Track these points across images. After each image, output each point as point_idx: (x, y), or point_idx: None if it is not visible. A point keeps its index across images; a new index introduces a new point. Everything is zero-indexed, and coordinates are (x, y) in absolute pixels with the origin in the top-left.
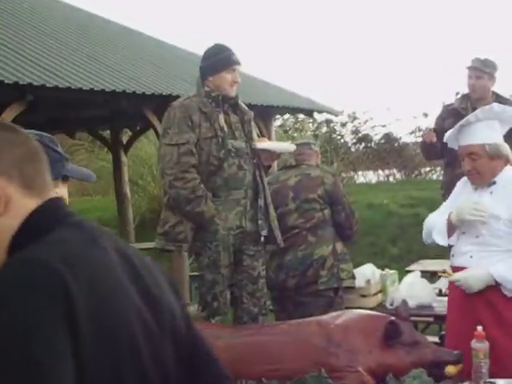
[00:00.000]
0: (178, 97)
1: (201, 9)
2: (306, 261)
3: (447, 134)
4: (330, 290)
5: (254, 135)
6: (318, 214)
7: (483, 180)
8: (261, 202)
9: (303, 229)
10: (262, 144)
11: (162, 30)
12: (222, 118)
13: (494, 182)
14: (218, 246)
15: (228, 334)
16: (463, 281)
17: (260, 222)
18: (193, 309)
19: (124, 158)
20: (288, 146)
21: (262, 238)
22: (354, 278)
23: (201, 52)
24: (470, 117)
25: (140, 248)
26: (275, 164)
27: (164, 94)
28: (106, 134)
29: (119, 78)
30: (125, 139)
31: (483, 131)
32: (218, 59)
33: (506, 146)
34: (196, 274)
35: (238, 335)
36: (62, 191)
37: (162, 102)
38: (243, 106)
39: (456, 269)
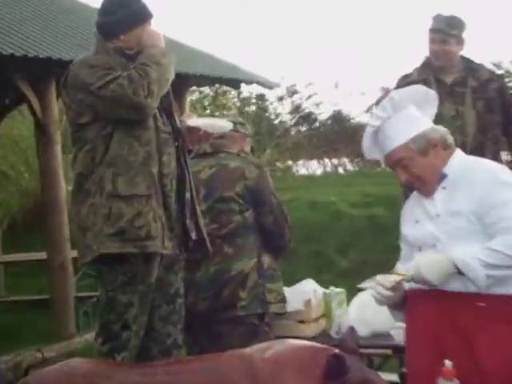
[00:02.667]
0: (61, 62)
1: None
2: (221, 278)
3: (364, 146)
4: (254, 316)
5: (176, 111)
6: (236, 217)
7: (430, 183)
8: (188, 196)
9: (217, 237)
10: (192, 120)
11: None
12: None
13: (445, 175)
14: (137, 256)
15: (123, 372)
16: (415, 272)
17: (188, 221)
18: (80, 340)
19: None
20: (224, 124)
21: (191, 243)
22: (284, 301)
23: (95, 4)
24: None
25: (8, 261)
26: None
27: (41, 56)
28: None
29: None
30: None
31: (398, 127)
32: (131, 13)
33: (436, 129)
34: (88, 294)
35: (135, 375)
36: None
37: (39, 68)
38: None
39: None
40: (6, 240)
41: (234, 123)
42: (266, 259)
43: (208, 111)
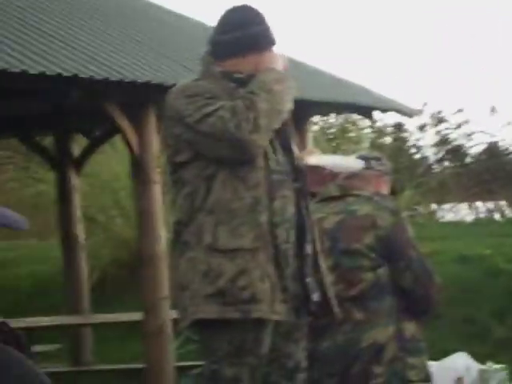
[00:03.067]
0: (162, 86)
1: None
2: (351, 350)
3: None
4: None
5: (295, 146)
6: (367, 275)
7: None
8: (308, 249)
9: (345, 299)
10: (315, 159)
11: None
12: None
13: None
14: (243, 321)
15: None
16: None
17: (308, 279)
18: None
19: (75, 180)
20: (353, 162)
21: (313, 306)
22: (428, 380)
23: (211, 21)
24: None
25: (97, 323)
26: None
27: (140, 81)
28: (48, 142)
29: (69, 54)
30: (76, 150)
31: None
32: (248, 35)
33: None
34: (191, 364)
35: None
36: None
37: (136, 95)
38: None
39: None
40: (94, 297)
41: (368, 159)
42: (409, 327)
43: (334, 145)
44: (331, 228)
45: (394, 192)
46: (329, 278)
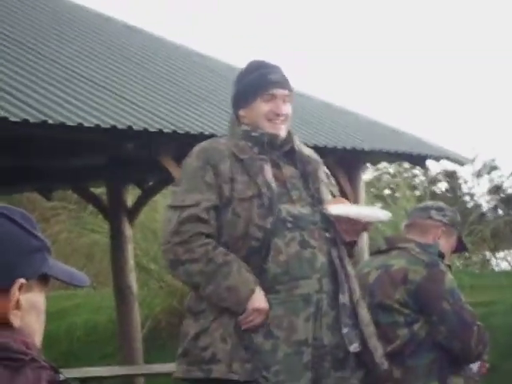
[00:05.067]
0: (215, 136)
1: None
2: None
3: None
4: None
5: (326, 195)
6: (401, 331)
7: None
8: (343, 299)
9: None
10: (338, 208)
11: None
12: (268, 169)
13: None
14: (278, 375)
15: None
16: None
17: (346, 330)
18: None
19: (128, 230)
20: (378, 213)
21: (351, 358)
22: None
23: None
24: None
25: (151, 373)
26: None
27: (193, 132)
28: (101, 192)
29: (122, 106)
30: (130, 201)
31: None
32: (248, 82)
33: None
34: None
35: None
36: (35, 298)
37: (188, 145)
38: (305, 150)
39: None
40: (147, 346)
41: (428, 208)
42: (457, 382)
43: (387, 192)
44: (371, 283)
45: (461, 244)
46: (370, 329)
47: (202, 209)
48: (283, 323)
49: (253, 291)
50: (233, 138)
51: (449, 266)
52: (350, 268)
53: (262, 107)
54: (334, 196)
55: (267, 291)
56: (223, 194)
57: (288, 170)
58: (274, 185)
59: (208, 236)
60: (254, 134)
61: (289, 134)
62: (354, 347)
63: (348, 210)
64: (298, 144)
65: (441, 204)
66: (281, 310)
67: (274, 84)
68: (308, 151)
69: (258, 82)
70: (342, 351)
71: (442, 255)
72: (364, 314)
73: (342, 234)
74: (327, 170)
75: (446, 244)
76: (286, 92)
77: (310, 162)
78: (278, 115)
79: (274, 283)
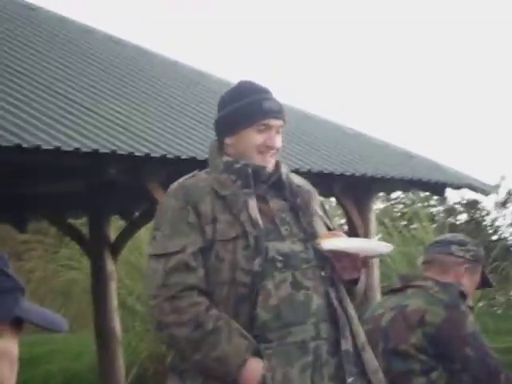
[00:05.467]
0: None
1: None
2: None
3: None
4: None
5: (320, 228)
6: (418, 380)
7: None
8: (346, 345)
9: None
10: (332, 243)
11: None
12: (254, 205)
13: None
14: None
15: None
16: None
17: (350, 380)
18: None
19: (111, 267)
20: (378, 245)
21: None
22: None
23: None
24: None
25: None
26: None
27: (185, 156)
28: (81, 224)
29: (105, 128)
30: (113, 234)
31: None
32: (240, 108)
33: None
34: None
35: None
36: (7, 345)
37: (179, 171)
38: (295, 180)
39: None
40: None
41: (449, 243)
42: None
43: (402, 223)
44: (385, 326)
45: (486, 283)
46: (378, 376)
47: (189, 254)
48: (277, 375)
49: (244, 361)
50: (213, 171)
51: (471, 308)
52: (351, 310)
53: (255, 138)
54: (329, 229)
55: (258, 340)
56: (206, 236)
57: (276, 204)
58: (260, 221)
59: (199, 291)
60: (236, 165)
61: (276, 163)
62: None
63: (343, 243)
64: (287, 173)
65: (462, 237)
66: (273, 360)
67: (270, 114)
68: (298, 180)
69: (251, 109)
70: None
71: (463, 295)
72: (370, 360)
73: (340, 271)
74: (323, 200)
75: (469, 282)
76: (281, 122)
77: (301, 193)
78: (270, 148)
79: (264, 331)
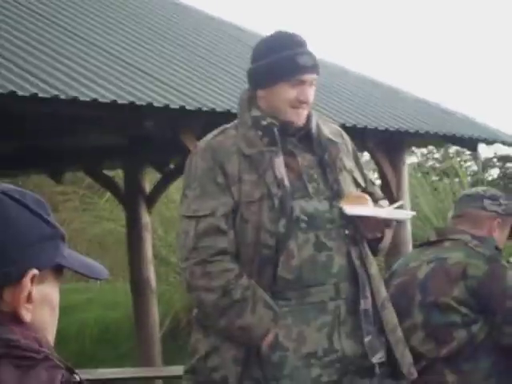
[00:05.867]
0: (229, 114)
1: None
2: None
3: None
4: None
5: (348, 186)
6: (459, 332)
7: None
8: (365, 304)
9: (437, 359)
10: (354, 209)
11: None
12: (280, 163)
13: None
14: None
15: None
16: None
17: (368, 338)
18: None
19: (146, 218)
20: (400, 212)
21: (377, 368)
22: None
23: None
24: None
25: (170, 376)
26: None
27: (219, 109)
28: (117, 175)
29: (141, 80)
30: (149, 186)
31: None
32: (275, 62)
33: None
34: None
35: None
36: (48, 291)
37: (214, 124)
38: (326, 131)
39: None
40: (167, 346)
41: (481, 197)
42: None
43: (433, 178)
44: (422, 279)
45: None
46: (397, 335)
47: (219, 217)
48: (292, 334)
49: (268, 331)
50: (242, 126)
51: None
52: (373, 269)
53: (288, 92)
54: (358, 186)
55: (277, 297)
56: (233, 198)
57: (304, 159)
58: (286, 181)
59: (231, 256)
60: (263, 122)
61: (307, 116)
62: (378, 358)
63: (365, 212)
64: (317, 126)
65: (494, 191)
66: (290, 319)
67: (305, 69)
68: (330, 130)
69: (286, 64)
70: (367, 361)
71: (498, 249)
72: (390, 318)
73: (363, 230)
74: (355, 150)
75: (500, 236)
76: (315, 76)
77: (331, 147)
78: (303, 102)
79: (285, 289)
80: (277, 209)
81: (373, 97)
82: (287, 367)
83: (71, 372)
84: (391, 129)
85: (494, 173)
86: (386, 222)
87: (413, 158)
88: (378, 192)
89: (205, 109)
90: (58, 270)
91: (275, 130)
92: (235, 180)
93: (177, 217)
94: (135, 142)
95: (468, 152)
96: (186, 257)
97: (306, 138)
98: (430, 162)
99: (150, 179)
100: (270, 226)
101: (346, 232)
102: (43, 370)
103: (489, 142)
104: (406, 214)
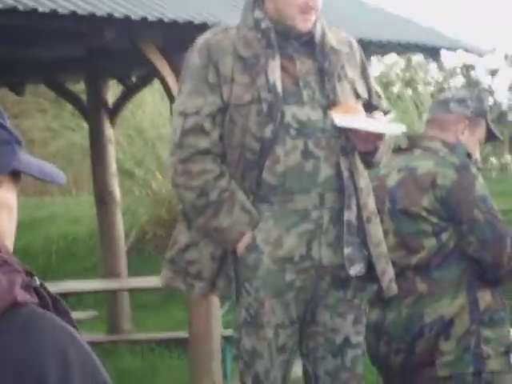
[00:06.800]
0: (207, 26)
1: None
2: (414, 326)
3: None
4: (464, 377)
5: (345, 96)
6: (428, 241)
7: None
8: (349, 215)
9: (407, 268)
10: (345, 120)
11: None
12: (275, 66)
13: None
14: (258, 291)
15: None
16: None
17: (348, 249)
18: None
19: (110, 131)
20: (391, 126)
21: (354, 280)
22: (509, 353)
23: None
24: None
25: (135, 287)
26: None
27: (182, 20)
28: (80, 88)
29: None
30: (111, 98)
31: None
32: None
33: None
34: (232, 334)
35: None
36: (5, 195)
37: (176, 35)
38: (332, 40)
39: None
40: (132, 258)
41: (447, 101)
42: (483, 296)
43: (396, 87)
44: (392, 187)
45: (492, 136)
46: (380, 249)
47: (204, 116)
48: (270, 238)
49: (242, 235)
50: (243, 27)
51: (478, 169)
52: (362, 181)
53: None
54: (370, 93)
55: (261, 200)
56: (222, 97)
57: (304, 65)
58: (279, 87)
59: (213, 156)
60: (263, 24)
61: (314, 22)
62: (356, 270)
63: (354, 123)
64: (324, 32)
65: (462, 93)
66: (271, 222)
67: None
68: (338, 40)
69: None
70: (344, 272)
71: (469, 156)
72: (374, 232)
73: (355, 142)
74: (363, 59)
75: (471, 138)
76: None
77: (333, 55)
78: (312, 8)
79: (268, 194)
80: (265, 114)
81: (333, 7)
82: (261, 269)
83: (31, 276)
84: (354, 37)
85: (459, 82)
86: (376, 136)
87: (380, 67)
88: (383, 105)
89: (166, 20)
90: (16, 175)
91: (271, 34)
92: (227, 80)
93: (140, 130)
94: (96, 54)
95: (432, 61)
96: (171, 152)
97: (310, 43)
98: (396, 72)
99: (114, 93)
100: (256, 130)
101: (339, 141)
102: (1, 274)
103: (451, 50)
104: (398, 128)
